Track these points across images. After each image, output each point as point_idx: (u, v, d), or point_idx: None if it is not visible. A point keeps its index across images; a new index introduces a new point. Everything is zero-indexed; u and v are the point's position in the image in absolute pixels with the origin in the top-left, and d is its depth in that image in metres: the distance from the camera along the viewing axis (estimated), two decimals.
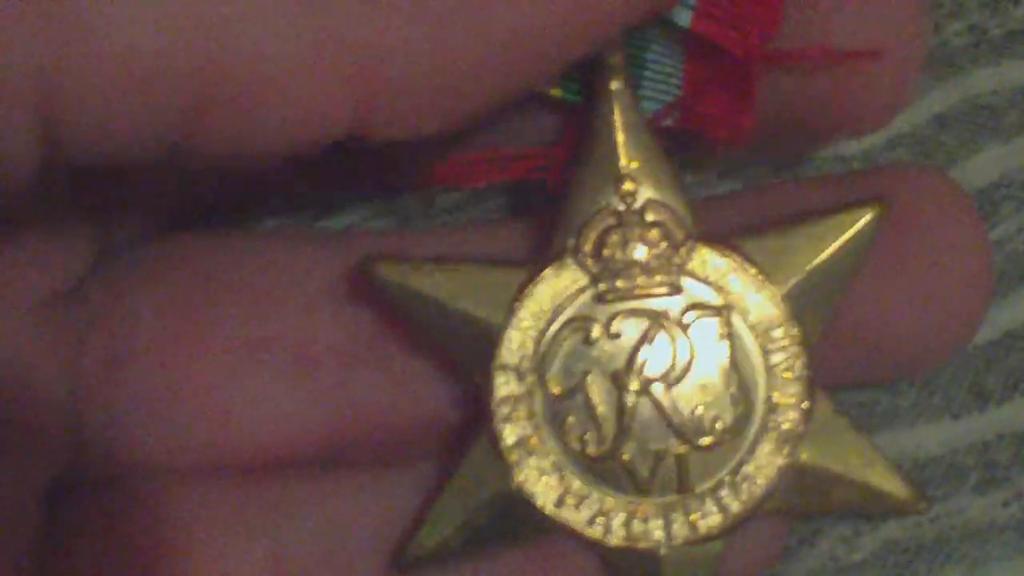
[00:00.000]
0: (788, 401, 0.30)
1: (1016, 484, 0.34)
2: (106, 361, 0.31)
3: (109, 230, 0.31)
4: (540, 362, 0.30)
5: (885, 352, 0.31)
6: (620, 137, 0.30)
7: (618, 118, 0.30)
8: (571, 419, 0.30)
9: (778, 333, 0.30)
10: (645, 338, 0.30)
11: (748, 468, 0.30)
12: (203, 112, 0.24)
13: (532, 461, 0.30)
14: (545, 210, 0.31)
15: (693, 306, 0.30)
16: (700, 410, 0.30)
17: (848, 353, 0.31)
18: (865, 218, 0.30)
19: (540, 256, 0.30)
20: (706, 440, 0.30)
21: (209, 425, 0.31)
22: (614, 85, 0.30)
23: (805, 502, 0.30)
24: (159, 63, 0.23)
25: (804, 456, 0.30)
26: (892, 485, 0.30)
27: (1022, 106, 0.35)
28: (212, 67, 0.24)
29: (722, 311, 0.30)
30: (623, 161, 0.30)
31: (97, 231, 0.31)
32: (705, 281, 0.30)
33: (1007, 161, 0.34)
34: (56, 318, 0.30)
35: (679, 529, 0.30)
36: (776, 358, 0.30)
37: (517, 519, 0.30)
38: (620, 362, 0.30)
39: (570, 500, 0.30)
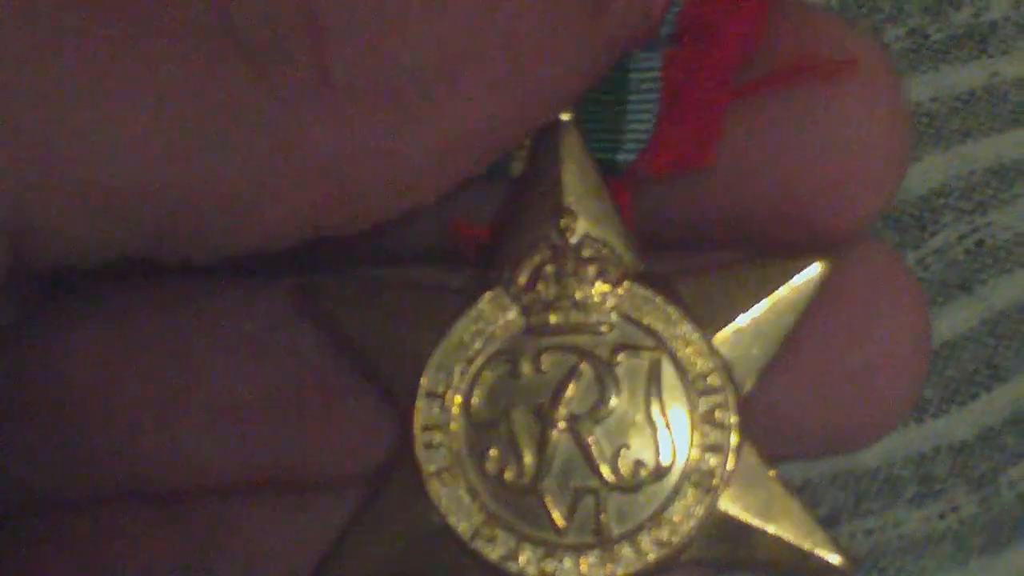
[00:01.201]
0: (714, 448, 0.29)
1: (953, 496, 0.34)
2: (25, 402, 0.31)
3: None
4: (465, 392, 0.30)
5: (812, 431, 0.30)
6: (563, 170, 0.30)
7: (563, 151, 0.30)
8: (493, 450, 0.29)
9: (708, 380, 0.29)
10: (572, 375, 0.29)
11: (668, 514, 0.29)
12: (167, 227, 0.26)
13: (451, 491, 0.29)
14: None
15: (623, 346, 0.29)
16: (623, 451, 0.29)
17: (774, 429, 0.30)
18: (809, 270, 0.30)
19: (475, 286, 0.30)
20: (627, 482, 0.29)
21: (131, 468, 0.31)
22: (563, 117, 0.30)
23: (727, 554, 0.30)
24: (126, 189, 0.25)
25: (726, 506, 0.29)
26: (820, 544, 0.29)
27: (963, 113, 0.34)
28: (176, 191, 0.25)
29: (652, 353, 0.29)
30: (564, 195, 0.30)
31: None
32: (637, 322, 0.30)
33: (948, 169, 0.34)
34: None
35: (595, 572, 0.29)
36: (704, 405, 0.29)
37: (433, 550, 0.30)
38: (545, 396, 0.29)
39: (487, 533, 0.29)
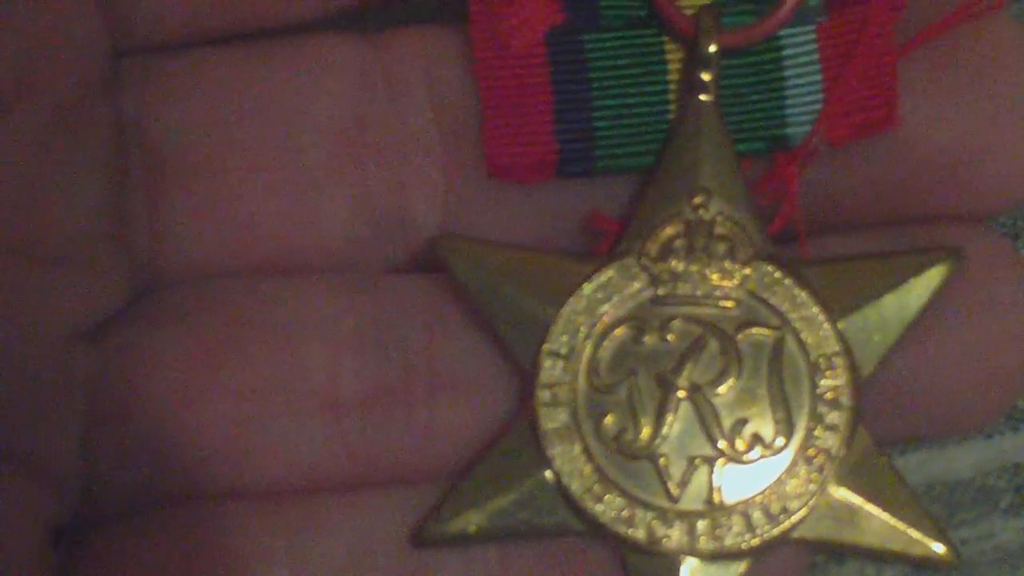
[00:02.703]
0: (830, 429, 0.30)
1: None
2: (122, 401, 0.31)
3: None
4: (589, 354, 0.30)
5: (929, 411, 0.31)
6: (701, 150, 0.30)
7: (701, 131, 0.30)
8: (611, 414, 0.30)
9: (829, 362, 0.30)
10: (696, 346, 0.30)
11: (781, 490, 0.30)
12: None
13: (567, 449, 0.30)
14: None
15: (748, 322, 0.30)
16: (741, 424, 0.30)
17: (893, 408, 0.31)
18: (936, 266, 0.30)
19: (606, 254, 0.31)
20: (742, 454, 0.30)
21: (229, 465, 0.31)
22: (703, 97, 0.30)
23: (835, 535, 0.30)
24: None
25: (840, 487, 0.30)
26: (927, 532, 0.30)
27: None
28: None
29: (776, 331, 0.30)
30: (700, 174, 0.30)
31: (131, 269, 0.31)
32: (764, 301, 0.30)
33: None
34: (76, 356, 0.31)
35: (704, 541, 0.30)
36: (824, 386, 0.30)
37: (543, 507, 0.30)
38: (668, 365, 0.30)
39: (600, 492, 0.30)
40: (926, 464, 0.34)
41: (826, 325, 0.30)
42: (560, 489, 0.30)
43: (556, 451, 0.30)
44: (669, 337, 0.30)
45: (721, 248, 0.30)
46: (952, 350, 0.30)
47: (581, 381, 0.30)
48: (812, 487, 0.30)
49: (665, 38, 0.31)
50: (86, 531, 0.31)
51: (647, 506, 0.30)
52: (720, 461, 0.30)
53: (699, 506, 0.30)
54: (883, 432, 0.30)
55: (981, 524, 0.34)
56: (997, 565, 0.34)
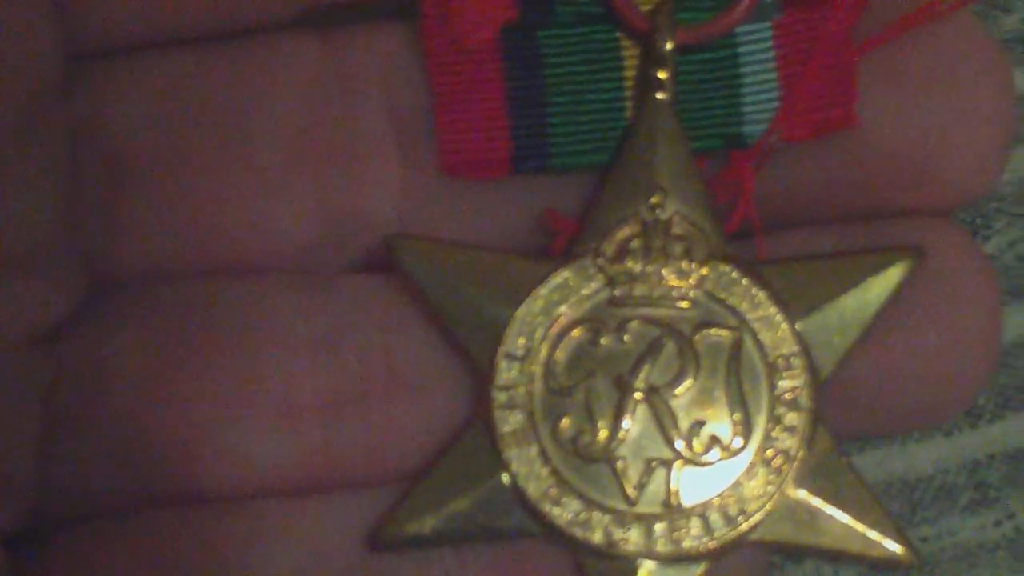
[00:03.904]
0: (789, 430, 0.29)
1: (1007, 504, 0.34)
2: (78, 406, 0.30)
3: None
4: (545, 356, 0.30)
5: (890, 408, 0.31)
6: (658, 149, 0.30)
7: (658, 130, 0.30)
8: (568, 416, 0.30)
9: (788, 363, 0.30)
10: (654, 347, 0.30)
11: (739, 492, 0.29)
12: None
13: (524, 452, 0.30)
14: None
15: (706, 323, 0.30)
16: (699, 425, 0.29)
17: (853, 405, 0.30)
18: (895, 265, 0.30)
19: (563, 255, 0.30)
20: (700, 456, 0.29)
21: (184, 470, 0.31)
22: (659, 96, 0.30)
23: (794, 537, 0.30)
24: None
25: (798, 489, 0.30)
26: (886, 533, 0.30)
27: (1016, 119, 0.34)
28: None
29: (734, 331, 0.30)
30: (656, 174, 0.30)
31: (85, 273, 0.31)
32: (722, 301, 0.30)
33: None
34: (31, 361, 0.30)
35: (662, 544, 0.29)
36: (782, 386, 0.30)
37: (500, 510, 0.30)
38: (625, 366, 0.30)
39: (557, 495, 0.30)
40: (886, 462, 0.34)
41: (784, 325, 0.30)
42: (517, 492, 0.30)
43: (513, 454, 0.30)
44: (626, 338, 0.30)
45: (678, 248, 0.30)
46: (913, 347, 0.30)
47: (538, 383, 0.30)
48: (770, 489, 0.29)
49: (621, 35, 0.30)
50: (41, 536, 0.31)
51: (604, 509, 0.30)
52: (678, 463, 0.29)
53: (657, 508, 0.29)
54: (843, 430, 0.30)
55: (941, 522, 0.34)
56: (957, 562, 0.34)
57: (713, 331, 0.30)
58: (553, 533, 0.30)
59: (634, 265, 0.30)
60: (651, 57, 0.30)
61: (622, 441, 0.30)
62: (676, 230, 0.30)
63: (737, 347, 0.30)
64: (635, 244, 0.30)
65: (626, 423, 0.30)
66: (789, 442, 0.29)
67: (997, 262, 0.35)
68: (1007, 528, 0.34)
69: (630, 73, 0.30)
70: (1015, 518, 0.34)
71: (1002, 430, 0.35)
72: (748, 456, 0.30)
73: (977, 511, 0.34)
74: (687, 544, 0.29)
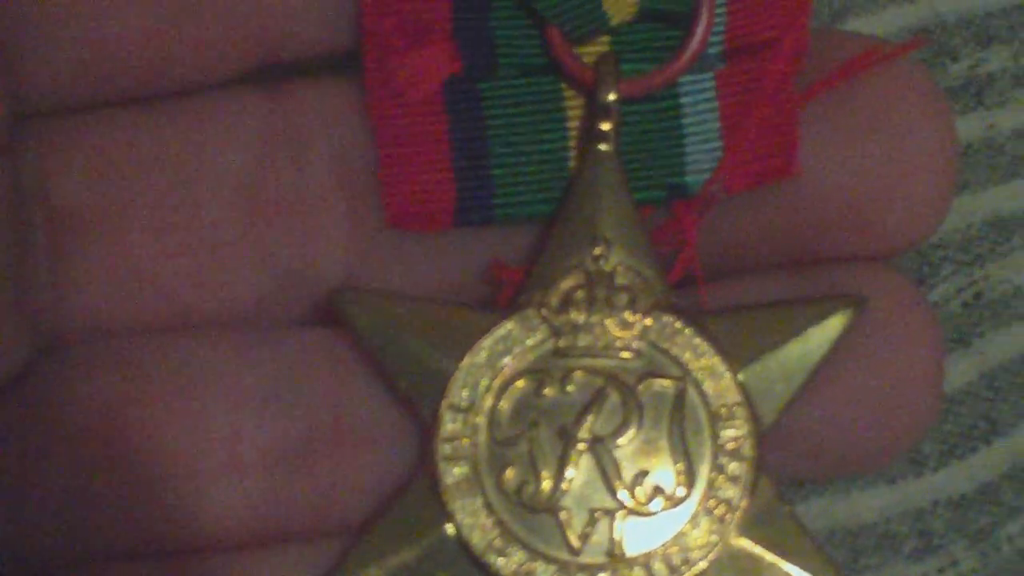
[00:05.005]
0: (732, 480, 0.30)
1: (952, 551, 0.34)
2: (22, 464, 0.30)
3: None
4: (488, 407, 0.30)
5: (834, 452, 0.31)
6: (601, 200, 0.30)
7: (602, 181, 0.30)
8: (512, 467, 0.30)
9: (731, 412, 0.30)
10: (597, 397, 0.30)
11: (682, 542, 0.30)
12: None
13: (469, 503, 0.30)
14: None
15: (649, 373, 0.30)
16: (642, 475, 0.30)
17: (798, 450, 0.31)
18: (837, 314, 0.30)
19: (506, 306, 0.30)
20: (644, 506, 0.30)
21: (128, 527, 0.30)
22: (602, 147, 0.30)
23: None
24: None
25: (742, 538, 0.30)
26: None
27: (961, 165, 0.35)
28: None
29: (678, 381, 0.30)
30: (600, 223, 0.30)
31: (33, 332, 0.31)
32: (665, 351, 0.30)
33: (945, 222, 0.34)
34: None
35: None
36: (725, 436, 0.30)
37: (445, 562, 0.30)
38: (569, 417, 0.30)
39: (501, 546, 0.30)
40: (829, 510, 0.35)
41: (727, 375, 0.30)
42: (462, 543, 0.30)
43: (457, 505, 0.30)
44: (569, 389, 0.30)
45: (622, 299, 0.30)
46: (855, 394, 0.30)
47: (482, 434, 0.30)
48: (714, 538, 0.30)
49: (564, 86, 0.31)
50: None
51: (548, 559, 0.30)
52: (621, 513, 0.30)
53: (601, 559, 0.30)
54: (786, 476, 0.31)
55: (884, 569, 0.34)
56: None
57: (656, 381, 0.30)
58: None
59: (578, 316, 0.30)
60: (594, 108, 0.30)
61: (566, 491, 0.30)
62: (620, 280, 0.30)
63: (680, 397, 0.30)
64: (579, 295, 0.30)
65: (570, 473, 0.30)
66: (732, 491, 0.30)
67: (943, 310, 0.35)
68: (951, 575, 0.34)
69: (574, 124, 0.31)
70: (958, 565, 0.34)
71: (946, 477, 0.35)
72: (691, 506, 0.30)
73: (921, 558, 0.34)
74: None
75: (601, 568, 0.30)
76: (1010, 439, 0.35)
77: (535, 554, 0.30)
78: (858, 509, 0.35)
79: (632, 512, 0.30)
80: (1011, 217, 0.36)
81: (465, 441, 0.30)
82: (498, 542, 0.30)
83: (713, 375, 0.30)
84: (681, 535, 0.30)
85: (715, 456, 0.30)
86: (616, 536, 0.30)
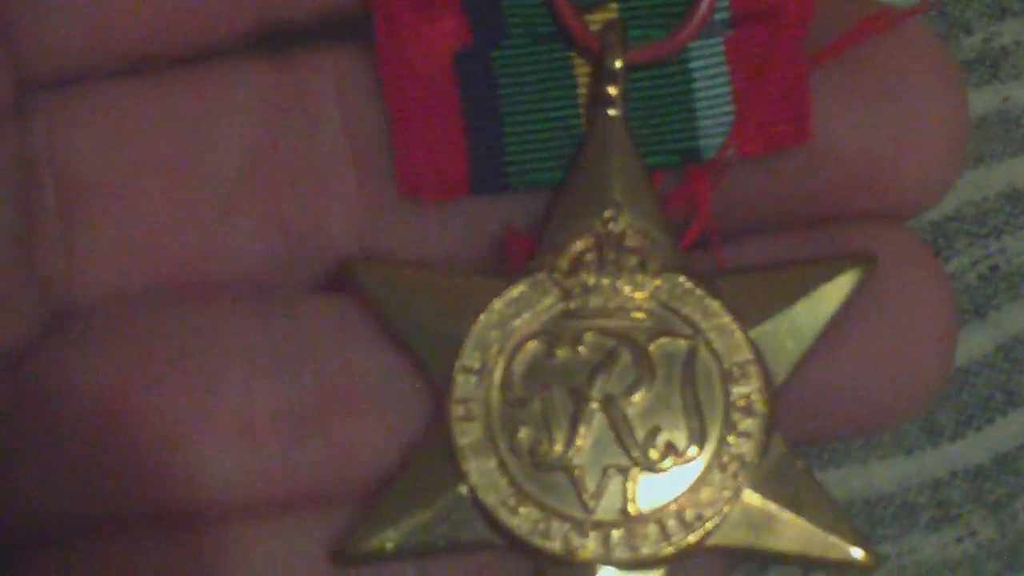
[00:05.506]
0: (744, 435, 0.30)
1: (969, 521, 0.34)
2: (38, 430, 0.31)
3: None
4: (501, 369, 0.30)
5: (846, 411, 0.31)
6: (611, 164, 0.31)
7: (611, 145, 0.31)
8: (525, 427, 0.30)
9: (742, 370, 0.30)
10: (609, 357, 0.30)
11: (695, 498, 0.30)
12: None
13: (482, 464, 0.30)
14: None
15: (661, 332, 0.30)
16: (654, 433, 0.30)
17: (808, 409, 0.31)
18: (847, 273, 0.30)
19: (520, 271, 0.31)
20: (656, 463, 0.30)
21: (144, 492, 0.31)
22: (610, 112, 0.31)
23: (751, 542, 0.30)
24: None
25: (755, 494, 0.30)
26: (844, 536, 0.30)
27: (975, 138, 0.35)
28: None
29: (689, 340, 0.30)
30: (610, 189, 0.31)
31: (44, 300, 0.31)
32: (676, 311, 0.30)
33: (961, 195, 0.34)
34: None
35: (619, 550, 0.30)
36: (737, 392, 0.30)
37: (460, 522, 0.30)
38: (581, 377, 0.30)
39: (515, 505, 0.30)
40: (847, 480, 0.35)
41: (738, 333, 0.30)
42: (476, 503, 0.30)
43: (471, 466, 0.30)
44: (581, 350, 0.30)
45: (632, 261, 0.30)
46: (866, 352, 0.31)
47: (495, 396, 0.30)
48: (726, 494, 0.30)
49: (573, 53, 0.31)
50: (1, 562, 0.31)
51: (563, 517, 0.30)
52: (634, 471, 0.30)
53: (614, 516, 0.30)
54: (799, 435, 0.31)
55: (902, 540, 0.34)
56: None
57: (668, 341, 0.30)
58: (513, 542, 0.30)
59: (588, 278, 0.30)
60: (602, 75, 0.31)
61: (579, 450, 0.30)
62: (629, 243, 0.30)
63: (692, 355, 0.30)
64: (589, 257, 0.30)
65: (582, 432, 0.30)
66: (744, 448, 0.30)
67: (959, 282, 0.35)
68: (968, 545, 0.34)
69: (583, 91, 0.31)
70: (976, 535, 0.34)
71: (963, 448, 0.35)
72: (703, 462, 0.30)
73: (939, 528, 0.34)
74: (644, 550, 0.30)
75: (614, 525, 0.30)
76: None
77: (549, 512, 0.30)
78: (875, 480, 0.35)
79: (644, 469, 0.30)
80: None
81: (478, 403, 0.30)
82: (512, 501, 0.30)
83: (724, 334, 0.30)
84: (693, 491, 0.30)
85: (727, 413, 0.30)
86: (629, 493, 0.30)
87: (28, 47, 0.30)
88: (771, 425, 0.30)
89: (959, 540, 0.34)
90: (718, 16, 0.31)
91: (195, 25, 0.31)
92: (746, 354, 0.30)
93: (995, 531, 0.34)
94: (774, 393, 0.30)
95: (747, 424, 0.30)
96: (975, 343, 0.35)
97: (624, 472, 0.30)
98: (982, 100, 0.36)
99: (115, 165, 0.31)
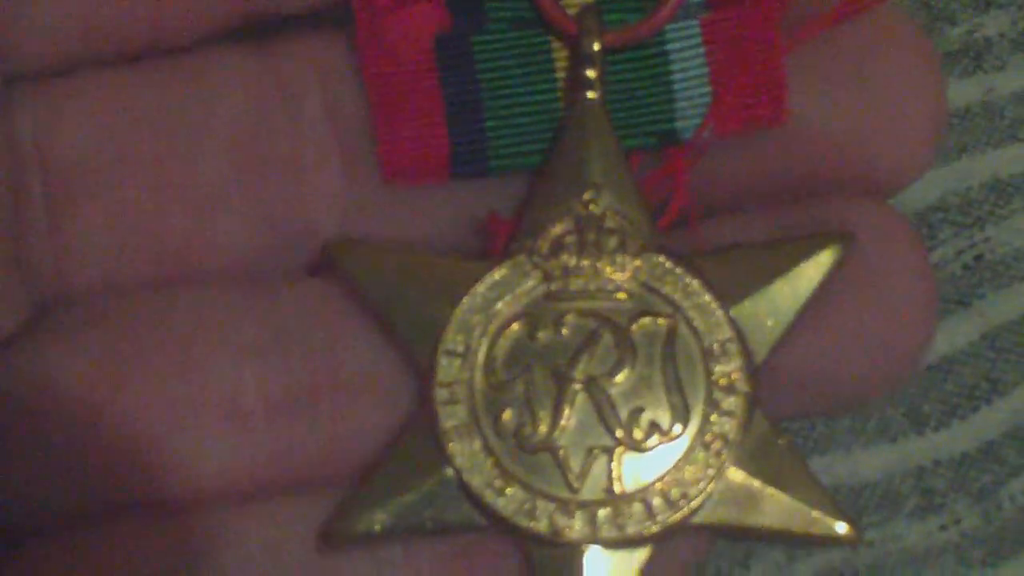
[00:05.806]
0: (726, 413, 0.30)
1: (953, 509, 0.34)
2: (27, 419, 0.31)
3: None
4: (484, 352, 0.30)
5: (825, 387, 0.31)
6: (589, 146, 0.31)
7: (589, 128, 0.31)
8: (509, 409, 0.30)
9: (723, 348, 0.30)
10: (591, 338, 0.30)
11: (679, 476, 0.30)
12: None
13: (467, 446, 0.30)
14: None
15: (641, 312, 0.30)
16: (638, 413, 0.30)
17: (788, 386, 0.31)
18: (825, 250, 0.30)
19: (501, 255, 0.31)
20: (640, 442, 0.30)
21: (134, 479, 0.31)
22: (589, 95, 0.31)
23: (736, 519, 0.30)
24: None
25: (738, 471, 0.30)
26: (828, 511, 0.30)
27: (959, 129, 0.35)
28: None
29: (669, 319, 0.30)
30: (589, 170, 0.31)
31: (32, 289, 0.31)
32: (656, 290, 0.30)
33: (945, 185, 0.34)
34: None
35: (605, 530, 0.30)
36: (718, 371, 0.30)
37: (447, 504, 0.30)
38: (564, 359, 0.30)
39: (501, 486, 0.30)
40: (831, 467, 0.35)
41: (718, 312, 0.30)
42: (462, 485, 0.30)
43: (456, 448, 0.30)
44: (563, 331, 0.30)
45: (612, 242, 0.30)
46: (846, 328, 0.31)
47: (478, 378, 0.30)
48: (710, 472, 0.30)
49: (551, 37, 0.31)
50: None
51: (548, 498, 0.30)
52: (618, 450, 0.30)
53: (599, 495, 0.30)
54: (781, 411, 0.31)
55: (887, 527, 0.34)
56: (903, 567, 0.34)
57: (649, 320, 0.30)
58: (499, 524, 0.30)
59: (569, 260, 0.30)
60: (580, 58, 0.31)
61: (563, 431, 0.30)
62: (609, 224, 0.31)
63: (672, 335, 0.30)
64: (569, 239, 0.30)
65: (566, 413, 0.30)
66: (727, 426, 0.30)
67: (944, 271, 0.35)
68: (952, 533, 0.34)
69: (562, 75, 0.31)
70: (960, 523, 0.34)
71: (948, 436, 0.35)
72: (687, 441, 0.30)
73: (923, 517, 0.34)
74: (630, 529, 0.30)
75: (600, 504, 0.30)
76: (1011, 398, 0.35)
77: (535, 493, 0.30)
78: (860, 467, 0.35)
79: (629, 449, 0.30)
80: (1010, 180, 0.36)
81: (462, 385, 0.30)
82: (498, 482, 0.30)
83: (704, 312, 0.30)
84: (678, 470, 0.30)
85: (709, 391, 0.30)
86: (614, 473, 0.30)
87: (12, 39, 0.30)
88: (753, 403, 0.30)
89: (943, 528, 0.34)
90: None
91: (181, 17, 0.31)
92: (727, 332, 0.30)
93: (979, 519, 0.34)
94: (755, 371, 0.30)
95: (729, 402, 0.30)
96: (960, 332, 0.35)
97: (608, 452, 0.30)
98: (966, 91, 0.36)
99: (101, 155, 0.31)
